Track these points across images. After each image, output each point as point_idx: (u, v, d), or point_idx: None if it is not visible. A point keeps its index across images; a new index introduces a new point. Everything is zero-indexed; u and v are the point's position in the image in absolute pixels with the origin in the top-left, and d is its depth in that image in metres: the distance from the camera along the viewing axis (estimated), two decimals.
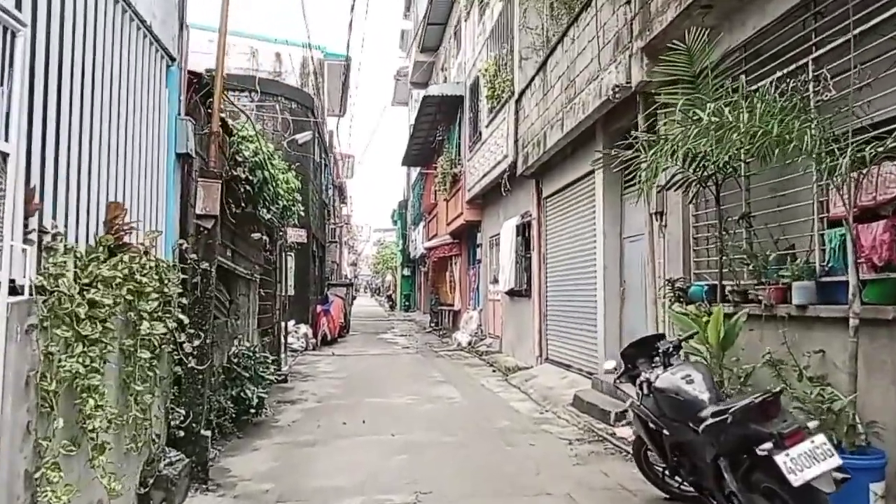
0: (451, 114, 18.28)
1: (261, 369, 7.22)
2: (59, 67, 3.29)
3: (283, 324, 13.01)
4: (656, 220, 6.66)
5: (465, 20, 16.95)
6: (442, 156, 17.96)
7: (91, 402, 3.11)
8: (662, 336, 4.34)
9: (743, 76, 4.86)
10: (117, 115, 4.08)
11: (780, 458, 2.90)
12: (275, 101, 15.93)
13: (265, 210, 7.51)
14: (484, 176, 14.09)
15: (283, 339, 12.76)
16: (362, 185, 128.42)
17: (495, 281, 14.83)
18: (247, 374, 6.95)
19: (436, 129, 19.43)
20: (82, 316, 3.07)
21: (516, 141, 11.53)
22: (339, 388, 9.98)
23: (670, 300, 5.95)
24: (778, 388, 3.46)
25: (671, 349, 4.09)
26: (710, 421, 3.36)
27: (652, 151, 4.69)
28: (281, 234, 10.11)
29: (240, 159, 6.72)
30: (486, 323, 15.92)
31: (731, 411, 3.24)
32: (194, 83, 5.38)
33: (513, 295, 12.94)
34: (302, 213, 11.34)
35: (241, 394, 6.81)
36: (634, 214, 7.95)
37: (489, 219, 15.60)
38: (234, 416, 6.68)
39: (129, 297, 3.80)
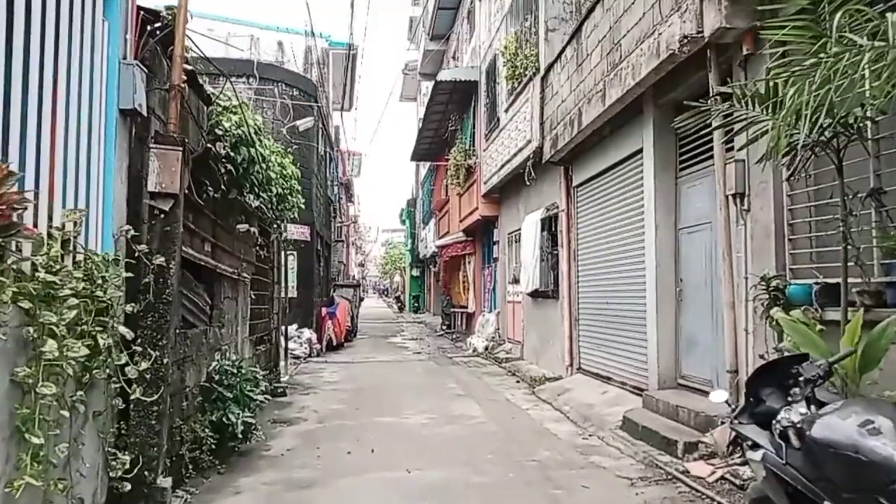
0: (465, 102, 17.02)
1: (248, 387, 5.98)
2: None
3: (283, 329, 11.82)
4: (735, 203, 5.37)
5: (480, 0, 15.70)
6: (454, 147, 16.72)
7: None
8: (804, 357, 3.05)
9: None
10: (23, 49, 2.85)
11: None
12: (274, 86, 14.71)
13: (253, 196, 6.26)
14: (502, 166, 12.81)
15: (282, 346, 11.56)
16: (370, 184, 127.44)
17: (515, 281, 13.56)
18: (230, 395, 5.72)
19: (448, 120, 18.17)
20: None
21: (542, 123, 10.25)
22: (345, 402, 8.73)
23: (763, 303, 4.66)
24: None
25: (818, 377, 2.80)
26: None
27: (785, 106, 3.40)
28: (277, 227, 8.87)
29: (220, 132, 5.49)
30: (505, 327, 14.64)
31: None
32: (150, 26, 4.14)
33: (536, 296, 11.66)
34: (302, 206, 10.10)
35: (224, 419, 5.57)
36: (694, 200, 6.65)
37: (507, 213, 14.32)
38: (213, 446, 5.45)
39: (26, 305, 2.56)
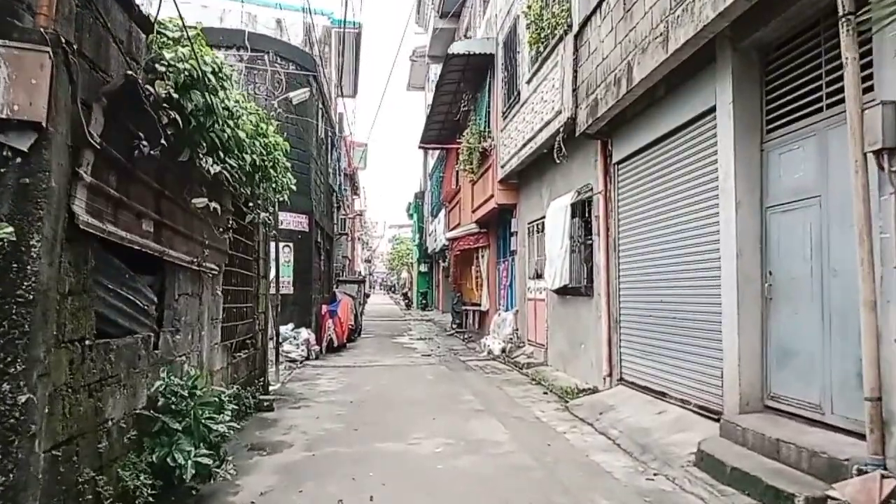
0: (479, 80, 15.49)
1: (206, 413, 4.49)
2: None
3: (273, 330, 10.38)
4: (881, 162, 3.82)
5: None
6: (467, 130, 15.18)
7: None
8: None
9: None
10: None
11: None
12: (267, 58, 13.20)
13: (213, 160, 4.76)
14: (524, 145, 11.28)
15: (271, 351, 10.10)
16: (377, 179, 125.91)
17: (537, 276, 12.04)
18: (178, 425, 4.24)
19: (460, 100, 16.64)
20: None
21: (575, 89, 8.70)
22: (341, 420, 7.26)
23: None
24: None
25: None
26: None
27: None
28: (256, 207, 7.39)
29: (162, 68, 3.99)
30: (524, 327, 13.11)
31: None
32: None
33: (564, 293, 10.14)
34: (293, 187, 8.65)
35: (169, 459, 4.09)
36: (790, 169, 5.10)
37: (528, 201, 12.79)
38: (151, 498, 3.97)
39: None
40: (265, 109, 9.89)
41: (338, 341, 14.75)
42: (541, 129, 10.13)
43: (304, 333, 13.16)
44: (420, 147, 24.33)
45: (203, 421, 4.41)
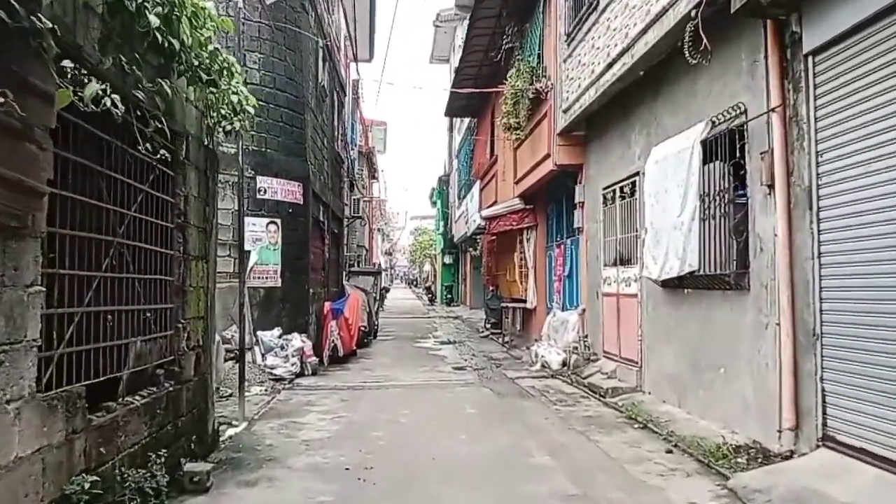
0: (526, 7, 11.86)
1: None
2: None
3: (216, 347, 7.04)
4: None
5: None
6: (511, 72, 11.59)
7: None
8: None
9: None
10: None
11: None
12: None
13: None
14: (608, 68, 7.69)
15: (226, 377, 6.77)
16: (398, 169, 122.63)
17: (620, 262, 8.46)
18: None
19: (500, 38, 13.03)
20: None
21: None
22: None
23: None
24: None
25: None
26: None
27: None
28: (177, 129, 3.92)
29: None
30: (597, 333, 9.52)
31: None
32: None
33: (681, 285, 6.56)
34: (249, 109, 5.28)
35: None
36: None
37: (602, 156, 9.19)
38: None
39: None
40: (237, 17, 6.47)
41: (344, 349, 11.32)
42: (646, 29, 6.51)
43: (297, 341, 9.74)
44: (447, 109, 20.64)
45: None
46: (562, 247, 11.84)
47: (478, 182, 18.43)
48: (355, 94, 20.63)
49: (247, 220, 9.70)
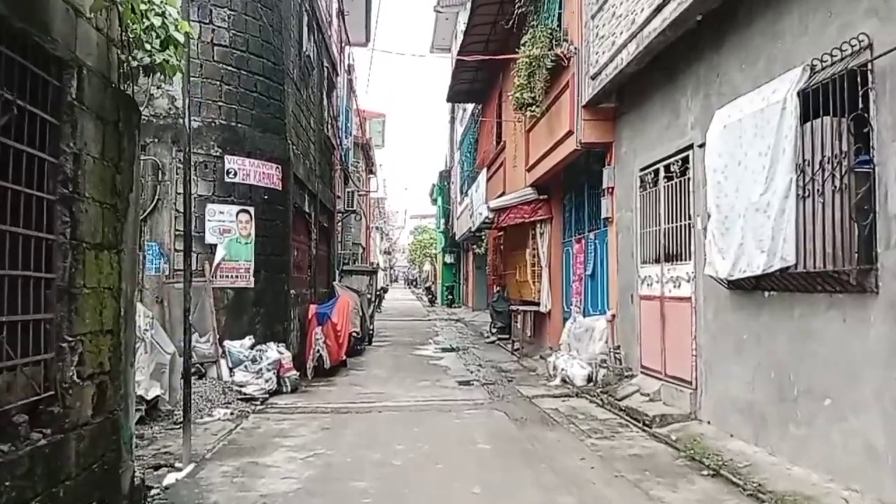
0: None
1: None
2: None
3: (171, 354, 5.51)
4: None
5: None
6: (524, 39, 10.02)
7: None
8: None
9: None
10: None
11: None
12: None
13: None
14: (657, 10, 6.13)
15: (173, 398, 5.23)
16: (396, 166, 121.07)
17: (665, 258, 6.90)
18: None
19: (510, 7, 11.46)
20: None
21: None
22: None
23: None
24: None
25: None
26: None
27: None
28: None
29: None
30: (633, 344, 7.95)
31: None
32: None
33: (762, 287, 5.01)
34: (179, 36, 3.67)
35: None
36: None
37: (640, 130, 7.64)
38: None
39: None
40: None
41: (332, 359, 9.74)
42: None
43: (273, 352, 8.18)
44: (449, 94, 19.04)
45: None
46: (582, 241, 10.27)
47: (483, 171, 16.85)
48: (349, 76, 19.08)
49: (212, 207, 8.17)
